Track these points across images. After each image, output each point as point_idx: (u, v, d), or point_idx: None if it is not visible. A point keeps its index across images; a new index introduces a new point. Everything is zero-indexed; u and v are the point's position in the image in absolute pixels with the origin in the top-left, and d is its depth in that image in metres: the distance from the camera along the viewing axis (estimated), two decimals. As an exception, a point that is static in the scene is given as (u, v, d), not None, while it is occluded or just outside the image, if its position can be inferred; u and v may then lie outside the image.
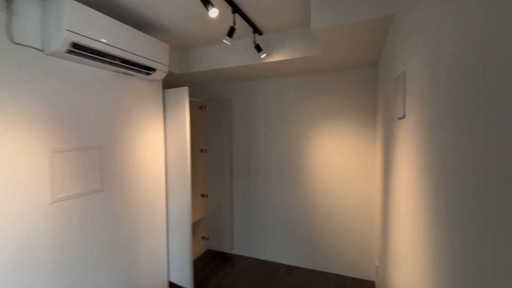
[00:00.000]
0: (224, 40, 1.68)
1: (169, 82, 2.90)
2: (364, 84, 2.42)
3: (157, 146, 2.23)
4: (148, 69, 1.95)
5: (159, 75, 2.05)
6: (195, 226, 3.19)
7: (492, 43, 0.41)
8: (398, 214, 1.17)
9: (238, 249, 3.03)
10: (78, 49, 1.45)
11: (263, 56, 2.02)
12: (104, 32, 1.54)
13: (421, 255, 0.76)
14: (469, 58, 0.48)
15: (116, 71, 1.82)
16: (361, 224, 2.48)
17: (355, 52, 1.95)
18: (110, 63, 1.71)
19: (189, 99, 2.67)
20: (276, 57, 2.11)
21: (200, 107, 3.07)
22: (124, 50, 1.69)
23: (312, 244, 2.68)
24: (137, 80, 2.04)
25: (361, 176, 2.46)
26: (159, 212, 2.27)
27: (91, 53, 1.54)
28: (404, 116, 1.04)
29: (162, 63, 2.00)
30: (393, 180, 1.33)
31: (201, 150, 3.10)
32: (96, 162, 1.70)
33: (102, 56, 1.62)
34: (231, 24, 1.76)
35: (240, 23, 1.89)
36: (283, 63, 2.20)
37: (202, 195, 3.13)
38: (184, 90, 2.18)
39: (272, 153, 2.82)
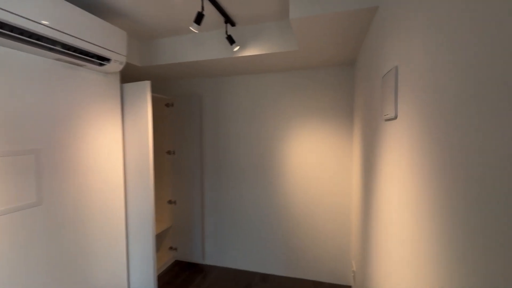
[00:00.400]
0: (191, 28, 1.46)
1: (130, 76, 2.59)
2: (341, 83, 2.34)
3: (114, 148, 1.93)
4: (101, 59, 1.66)
5: (115, 66, 1.76)
6: (162, 236, 2.91)
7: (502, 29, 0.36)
8: (389, 217, 1.06)
9: (210, 259, 2.81)
10: (0, 28, 1.14)
11: (236, 49, 1.83)
12: (38, 9, 1.24)
13: (426, 258, 0.64)
14: (478, 50, 0.44)
15: (58, 59, 1.51)
16: (337, 229, 2.41)
17: (334, 48, 1.84)
18: (50, 49, 1.41)
19: (153, 95, 2.39)
20: (250, 51, 1.93)
21: (167, 105, 2.79)
22: (68, 34, 1.40)
23: (287, 250, 2.55)
24: (88, 72, 1.73)
25: (337, 178, 2.39)
26: (117, 223, 1.97)
27: (20, 34, 1.23)
28: (395, 117, 0.93)
29: (118, 53, 1.72)
30: (379, 184, 1.22)
31: (168, 152, 2.82)
32: (30, 170, 1.39)
33: (37, 40, 1.31)
34: (199, 10, 1.54)
35: (211, 11, 1.68)
36: (257, 58, 2.03)
37: (170, 202, 2.85)
38: (146, 85, 1.91)
39: (246, 155, 2.64)
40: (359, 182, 1.87)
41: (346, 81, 2.33)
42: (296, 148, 2.48)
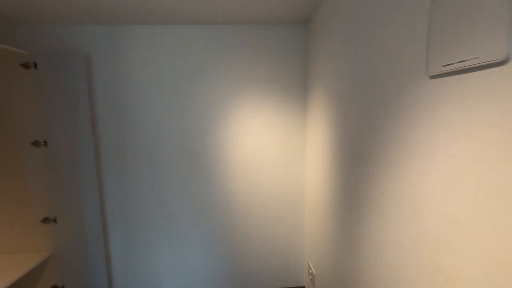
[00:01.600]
0: None
1: None
2: (291, 46, 1.86)
3: None
4: None
5: None
6: (36, 273, 1.88)
7: None
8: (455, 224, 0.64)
9: (121, 291, 2.00)
10: None
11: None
12: None
13: None
14: None
15: None
16: (289, 229, 2.02)
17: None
18: None
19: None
20: (172, -26, 1.18)
21: (24, 65, 1.69)
22: None
23: (232, 259, 2.02)
24: None
25: (288, 168, 1.96)
26: None
27: None
28: (507, 60, 0.47)
29: None
30: (418, 177, 0.80)
31: (35, 143, 1.75)
32: None
33: None
34: None
35: None
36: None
37: (46, 220, 1.83)
38: None
39: (169, 142, 1.89)
40: (330, 172, 1.47)
41: (298, 43, 1.86)
42: (238, 132, 1.90)
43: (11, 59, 1.68)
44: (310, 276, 1.88)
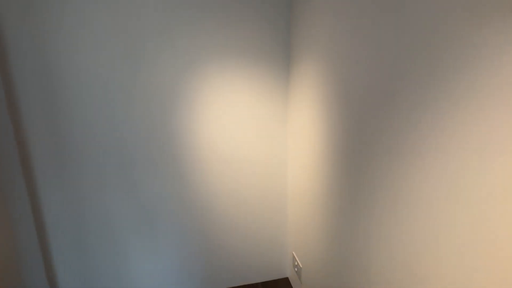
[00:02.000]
0: None
1: None
2: (272, 6, 1.55)
3: None
4: None
5: None
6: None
7: None
8: None
9: (75, 307, 1.67)
10: None
11: None
12: None
13: None
14: None
15: None
16: (270, 219, 1.83)
17: None
18: None
19: None
20: None
21: None
22: None
23: (206, 254, 1.79)
24: None
25: (268, 149, 1.73)
26: None
27: None
28: None
29: None
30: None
31: None
32: None
33: None
34: None
35: None
36: None
37: (-44, 235, 1.39)
38: None
39: (122, 121, 1.51)
40: (321, 158, 1.27)
41: (279, 4, 1.56)
42: (209, 112, 1.59)
43: None
44: (296, 269, 1.73)
